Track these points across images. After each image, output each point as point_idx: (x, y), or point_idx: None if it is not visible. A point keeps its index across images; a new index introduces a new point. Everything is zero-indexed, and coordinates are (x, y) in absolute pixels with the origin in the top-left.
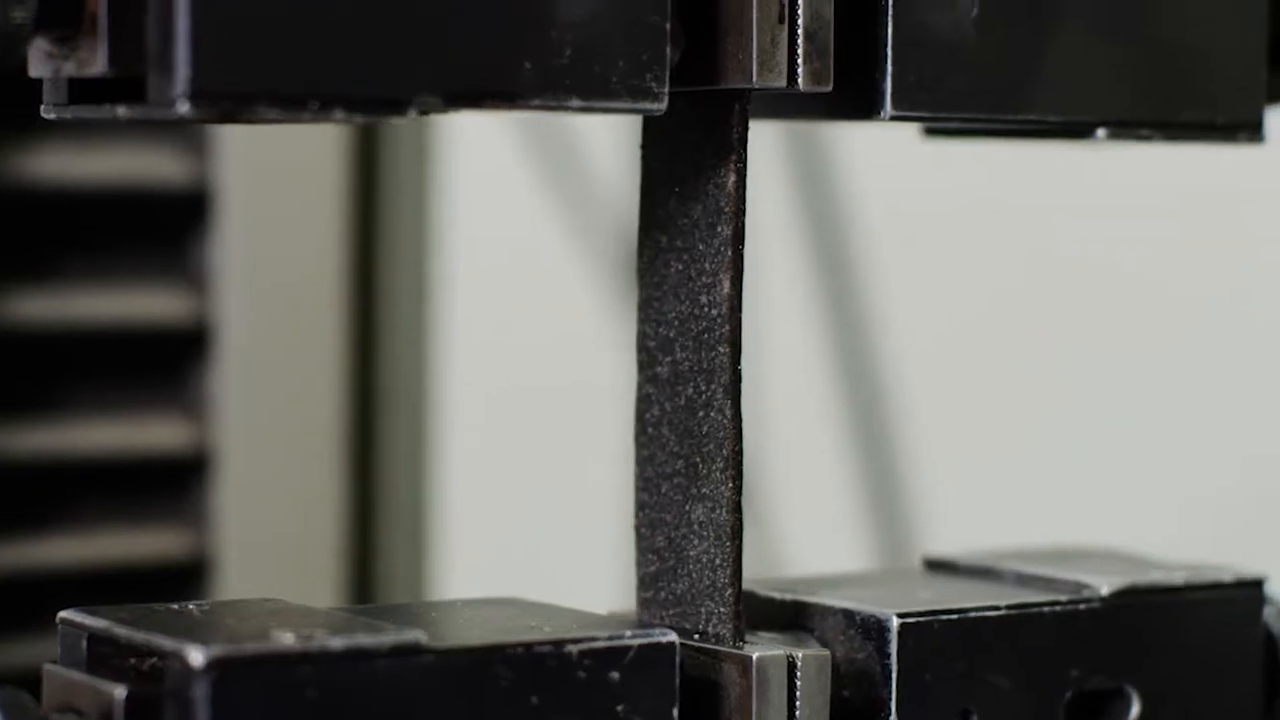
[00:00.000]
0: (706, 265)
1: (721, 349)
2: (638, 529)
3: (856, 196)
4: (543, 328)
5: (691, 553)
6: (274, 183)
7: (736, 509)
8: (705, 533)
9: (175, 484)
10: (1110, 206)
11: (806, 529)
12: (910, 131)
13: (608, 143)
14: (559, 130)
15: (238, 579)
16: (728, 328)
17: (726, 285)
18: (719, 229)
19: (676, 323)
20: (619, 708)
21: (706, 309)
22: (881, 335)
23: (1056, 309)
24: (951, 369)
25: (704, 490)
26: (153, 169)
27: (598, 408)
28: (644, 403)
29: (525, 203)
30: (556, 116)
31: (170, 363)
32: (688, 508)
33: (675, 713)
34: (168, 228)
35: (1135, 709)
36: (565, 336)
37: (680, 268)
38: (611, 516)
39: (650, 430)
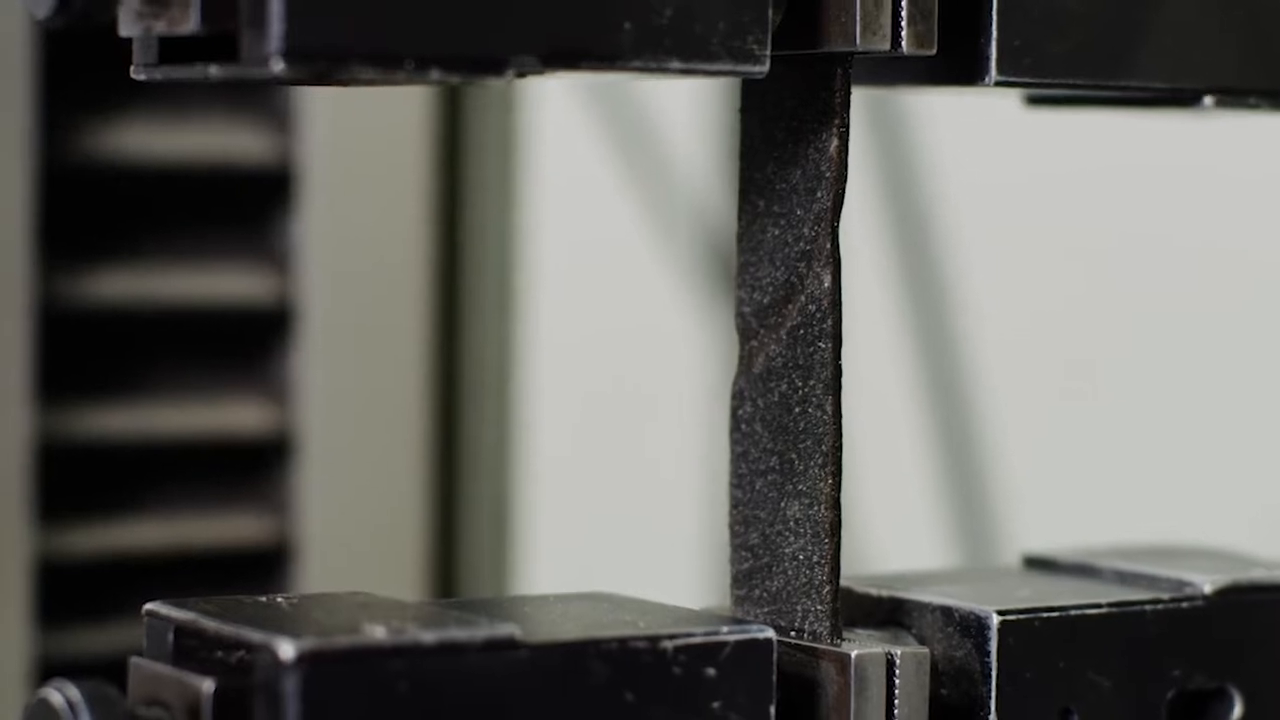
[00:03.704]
0: (805, 231)
1: (822, 344)
2: (731, 526)
3: (942, 185)
4: (629, 317)
5: (787, 550)
6: (358, 162)
7: (835, 505)
8: (802, 529)
9: (257, 468)
10: (1195, 195)
11: (890, 525)
12: (1002, 112)
13: (692, 139)
14: (641, 119)
15: (320, 565)
16: (829, 323)
17: (827, 279)
18: (818, 194)
19: (772, 289)
20: (714, 705)
21: (804, 301)
22: (967, 329)
23: (1142, 305)
24: (1036, 365)
25: (800, 487)
26: (236, 146)
27: (681, 400)
28: (737, 399)
29: (609, 188)
30: (643, 106)
31: (252, 344)
32: (783, 504)
33: (772, 710)
34: (251, 206)
35: (1238, 709)
36: (651, 329)
37: (777, 233)
38: (693, 510)
39: (744, 427)
